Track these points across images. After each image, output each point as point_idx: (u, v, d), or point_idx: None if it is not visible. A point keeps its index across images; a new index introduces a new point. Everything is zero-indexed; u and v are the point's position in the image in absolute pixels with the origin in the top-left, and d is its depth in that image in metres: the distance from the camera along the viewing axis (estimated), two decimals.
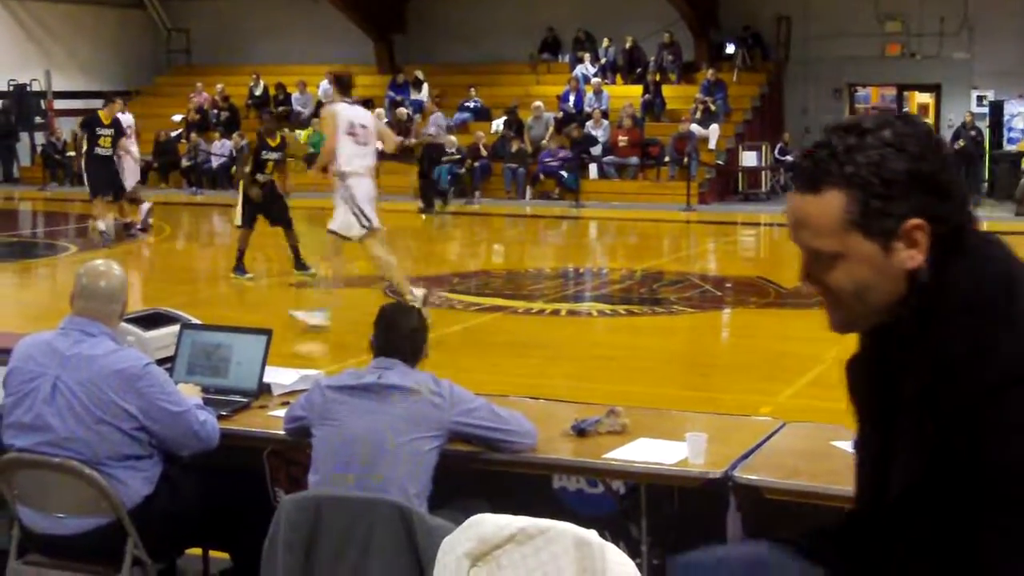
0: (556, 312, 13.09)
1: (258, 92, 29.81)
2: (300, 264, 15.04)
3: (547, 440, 4.52)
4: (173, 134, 28.37)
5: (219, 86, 29.64)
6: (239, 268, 14.83)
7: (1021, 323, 2.03)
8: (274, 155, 14.75)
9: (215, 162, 27.43)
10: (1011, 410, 1.97)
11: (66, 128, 28.34)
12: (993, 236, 2.18)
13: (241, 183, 15.00)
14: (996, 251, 2.13)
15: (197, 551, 5.24)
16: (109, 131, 17.45)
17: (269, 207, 14.76)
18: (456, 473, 4.40)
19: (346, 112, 11.39)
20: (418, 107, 28.18)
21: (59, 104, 29.69)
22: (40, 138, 29.77)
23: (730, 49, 27.81)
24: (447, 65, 29.68)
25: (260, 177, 14.61)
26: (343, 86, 11.82)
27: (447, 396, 4.31)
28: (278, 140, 14.95)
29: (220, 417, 4.73)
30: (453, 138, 25.74)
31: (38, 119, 29.79)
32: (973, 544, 2.02)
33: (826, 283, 2.16)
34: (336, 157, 11.31)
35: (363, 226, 11.37)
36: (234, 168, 16.78)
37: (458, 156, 25.38)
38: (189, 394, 4.74)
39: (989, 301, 2.06)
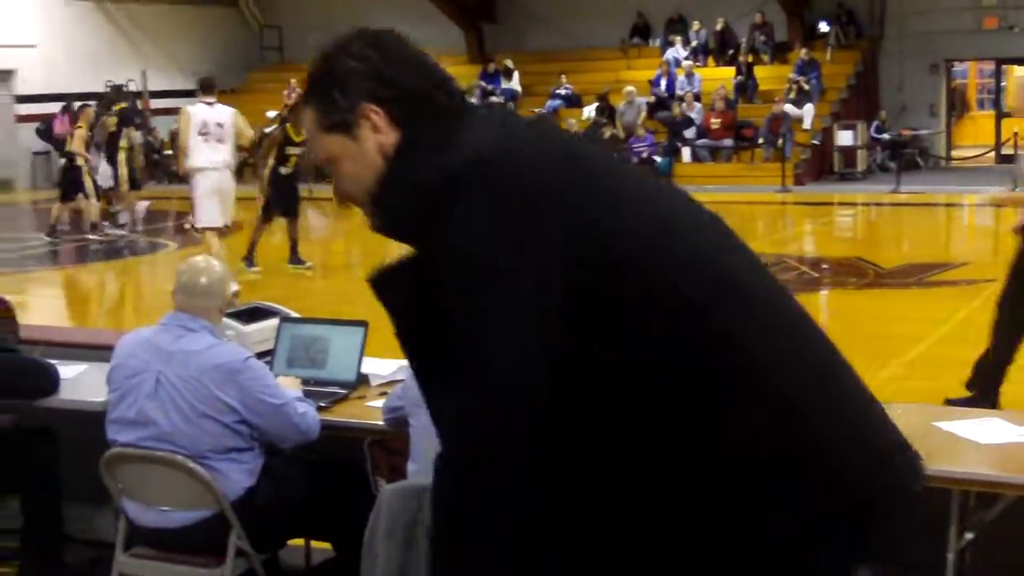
0: None
1: None
2: (296, 258, 15.08)
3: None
4: (268, 130, 28.61)
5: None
6: (249, 260, 14.85)
7: (467, 148, 2.18)
8: (297, 149, 14.82)
9: (311, 156, 27.64)
10: (461, 208, 2.13)
11: (163, 127, 28.74)
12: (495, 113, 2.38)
13: (264, 175, 15.04)
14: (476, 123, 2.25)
15: (300, 542, 5.30)
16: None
17: (288, 200, 14.85)
18: None
19: (200, 113, 12.49)
20: (510, 96, 28.20)
21: (155, 103, 30.14)
22: (138, 137, 30.18)
23: (823, 28, 27.46)
24: (537, 53, 29.66)
25: (283, 170, 14.71)
26: (203, 88, 13.16)
27: None
28: (303, 135, 14.89)
29: (319, 409, 4.77)
30: None
31: (135, 119, 30.22)
32: (446, 343, 2.16)
33: (343, 189, 2.36)
34: (188, 154, 12.41)
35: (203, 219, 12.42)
36: (251, 158, 16.86)
37: None
38: (289, 387, 4.79)
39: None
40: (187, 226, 13.13)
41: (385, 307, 2.32)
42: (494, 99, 27.44)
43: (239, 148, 13.86)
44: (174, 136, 24.55)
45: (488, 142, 2.20)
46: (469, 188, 2.13)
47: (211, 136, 12.64)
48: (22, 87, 28.74)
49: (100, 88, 29.61)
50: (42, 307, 13.35)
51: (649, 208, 2.26)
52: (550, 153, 2.23)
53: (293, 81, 29.04)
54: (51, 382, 5.28)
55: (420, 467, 4.26)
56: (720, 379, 2.16)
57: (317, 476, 4.85)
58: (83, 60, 29.68)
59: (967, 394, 7.71)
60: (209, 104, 12.89)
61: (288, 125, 14.88)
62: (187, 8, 32.58)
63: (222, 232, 12.89)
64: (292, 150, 14.71)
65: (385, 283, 2.32)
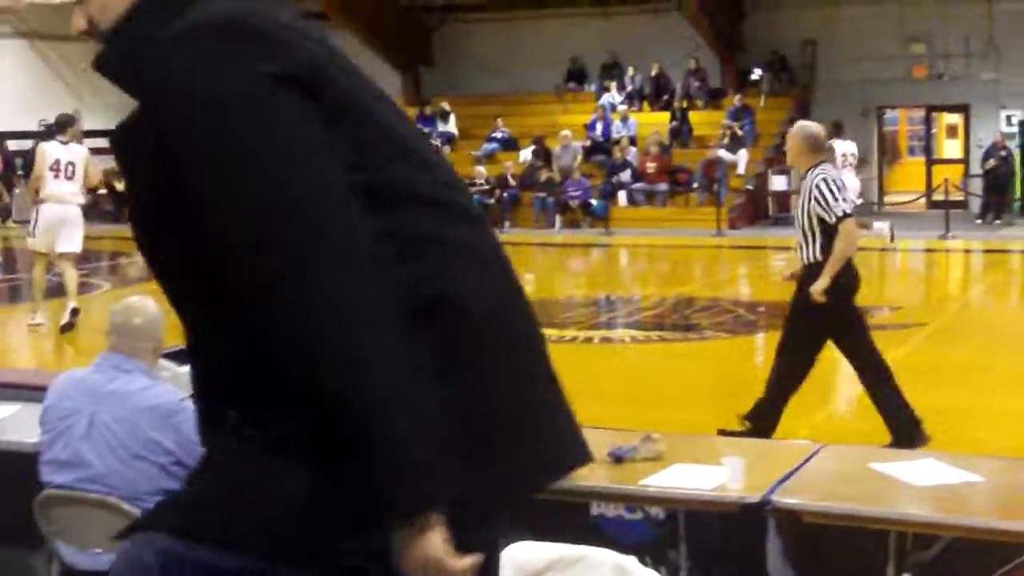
0: (589, 340, 13.07)
1: None
2: None
3: (583, 467, 4.50)
4: None
5: None
6: None
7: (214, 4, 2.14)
8: None
9: None
10: (204, 51, 2.08)
11: (99, 167, 28.52)
12: None
13: None
14: None
15: None
16: None
17: None
18: None
19: (52, 150, 13.60)
20: (447, 139, 28.27)
21: (89, 143, 29.83)
22: None
23: (756, 74, 27.79)
24: (474, 96, 29.77)
25: None
26: (58, 127, 14.28)
27: None
28: None
29: None
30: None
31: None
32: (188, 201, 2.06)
33: (89, 13, 2.44)
34: (41, 187, 13.43)
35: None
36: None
37: (487, 187, 25.44)
38: None
39: None
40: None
41: (121, 166, 2.26)
42: (430, 142, 27.48)
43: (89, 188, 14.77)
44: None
45: (239, 5, 2.17)
46: (212, 34, 2.11)
47: (61, 173, 13.54)
48: None
49: (34, 127, 29.40)
50: None
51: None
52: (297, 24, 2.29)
53: None
54: None
55: None
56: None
57: None
58: (18, 99, 29.43)
59: (742, 427, 7.89)
60: (63, 143, 13.79)
61: None
62: None
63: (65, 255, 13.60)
64: None
65: (122, 141, 2.27)
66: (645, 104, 28.29)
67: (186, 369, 5.33)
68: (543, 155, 26.39)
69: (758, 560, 4.19)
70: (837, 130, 16.44)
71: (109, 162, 15.97)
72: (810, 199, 7.68)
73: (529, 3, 29.07)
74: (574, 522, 4.53)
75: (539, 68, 29.01)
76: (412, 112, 29.33)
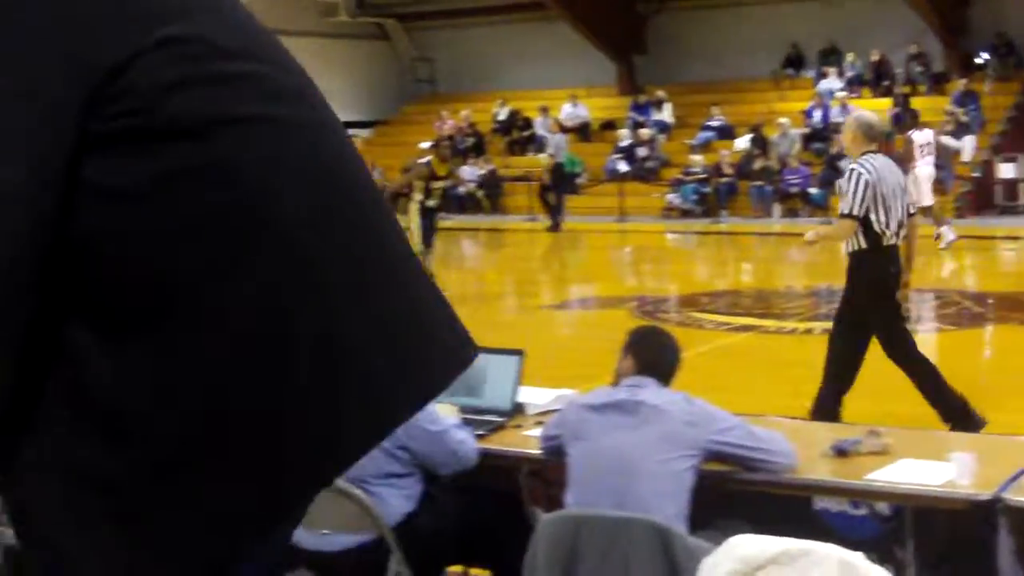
0: (809, 331, 12.83)
1: (502, 118, 30.21)
2: None
3: (806, 460, 4.43)
4: (420, 161, 28.99)
5: (464, 113, 30.17)
6: None
7: None
8: (440, 184, 15.29)
9: (462, 188, 27.90)
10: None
11: None
12: None
13: (412, 208, 15.26)
14: None
15: (457, 568, 5.30)
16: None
17: (428, 232, 15.23)
18: (714, 493, 4.34)
19: None
20: (661, 127, 28.14)
21: None
22: None
23: (982, 58, 26.88)
24: (689, 84, 29.55)
25: (429, 203, 14.92)
26: None
27: (702, 415, 4.27)
28: (447, 170, 15.32)
29: (477, 436, 4.77)
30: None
31: None
32: None
33: None
34: None
35: None
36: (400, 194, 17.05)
37: (703, 175, 25.24)
38: (447, 414, 4.80)
39: None
40: None
41: None
42: (644, 130, 27.43)
43: None
44: None
45: None
46: None
47: None
48: None
49: None
50: None
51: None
52: None
53: (444, 113, 29.45)
54: None
55: (577, 497, 4.24)
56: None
57: (474, 504, 4.85)
58: None
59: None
60: None
61: (433, 159, 15.11)
62: (341, 41, 33.15)
63: None
64: (436, 184, 14.97)
65: None
66: (865, 90, 27.62)
67: None
68: (760, 143, 26.03)
69: (988, 559, 4.06)
70: (914, 121, 15.82)
71: None
72: (839, 186, 7.74)
73: None
74: (796, 515, 4.45)
75: (755, 55, 28.63)
76: (626, 101, 29.35)
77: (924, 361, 8.04)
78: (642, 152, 27.10)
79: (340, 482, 4.44)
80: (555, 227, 23.98)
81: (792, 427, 5.03)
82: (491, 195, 27.46)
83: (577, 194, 26.85)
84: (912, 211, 8.18)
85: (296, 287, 1.63)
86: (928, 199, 18.24)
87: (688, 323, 13.03)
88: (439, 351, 1.85)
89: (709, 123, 27.85)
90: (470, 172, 27.98)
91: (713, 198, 25.01)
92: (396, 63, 34.93)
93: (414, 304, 1.80)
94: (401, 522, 4.51)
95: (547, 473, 4.80)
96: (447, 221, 22.74)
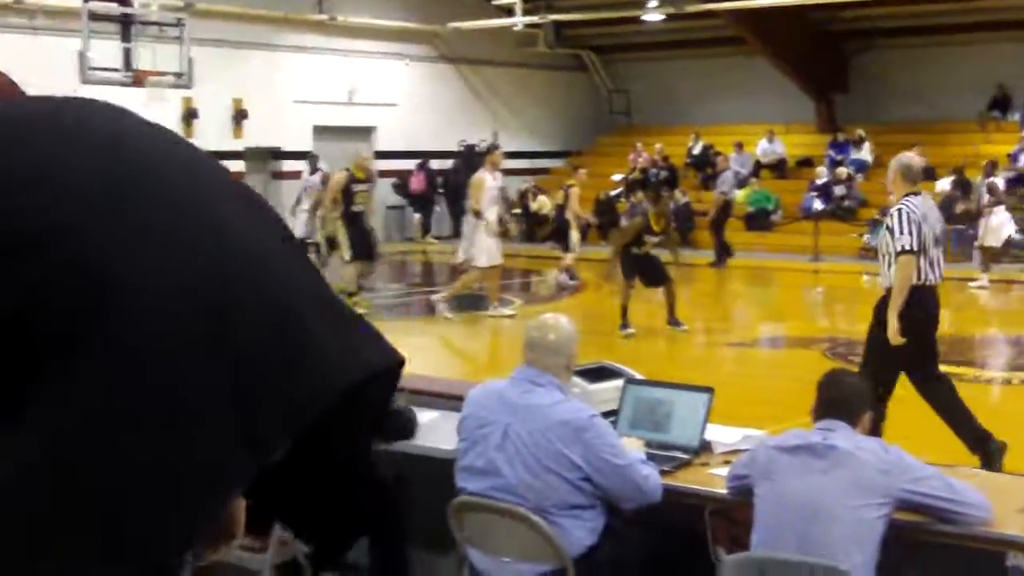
0: (1008, 381, 12.42)
1: (696, 151, 30.07)
2: (673, 320, 15.02)
3: (1001, 515, 4.29)
4: (613, 193, 29.02)
5: (658, 146, 30.10)
6: (623, 325, 14.94)
7: None
8: (655, 239, 15.12)
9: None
10: None
11: (512, 187, 29.52)
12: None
13: (614, 245, 15.58)
14: None
15: None
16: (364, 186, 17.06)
17: (645, 268, 14.99)
18: (904, 544, 4.23)
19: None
20: (859, 166, 27.65)
21: (505, 164, 30.96)
22: None
23: None
24: (890, 124, 28.98)
25: (647, 240, 14.86)
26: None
27: (896, 463, 4.17)
28: (663, 226, 15.05)
29: (662, 472, 4.74)
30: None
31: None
32: None
33: None
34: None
35: None
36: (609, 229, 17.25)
37: None
38: (632, 448, 4.78)
39: None
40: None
41: None
42: (842, 169, 27.00)
43: None
44: (521, 196, 25.31)
45: None
46: None
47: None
48: (381, 143, 30.10)
49: (453, 147, 30.75)
50: None
51: None
52: None
53: (639, 145, 29.42)
54: (411, 428, 5.46)
55: (762, 539, 4.17)
56: None
57: (656, 540, 4.81)
58: (439, 119, 30.88)
59: None
60: None
61: (651, 213, 15.08)
62: (540, 72, 33.44)
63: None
64: (650, 238, 14.93)
65: None
66: None
67: (597, 386, 5.46)
68: (962, 186, 25.35)
69: None
70: (993, 168, 15.35)
71: (519, 184, 16.47)
72: (887, 227, 8.19)
73: (954, 28, 28.07)
74: (988, 571, 4.31)
75: (960, 95, 27.95)
76: (825, 138, 28.92)
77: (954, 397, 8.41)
78: (839, 191, 26.67)
79: (523, 510, 4.45)
80: (718, 262, 23.69)
81: (987, 479, 4.87)
82: (683, 229, 27.31)
83: (771, 231, 26.54)
84: None
85: None
86: None
87: None
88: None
89: None
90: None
91: None
92: (592, 94, 35.07)
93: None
94: (583, 554, 4.51)
95: (732, 513, 4.73)
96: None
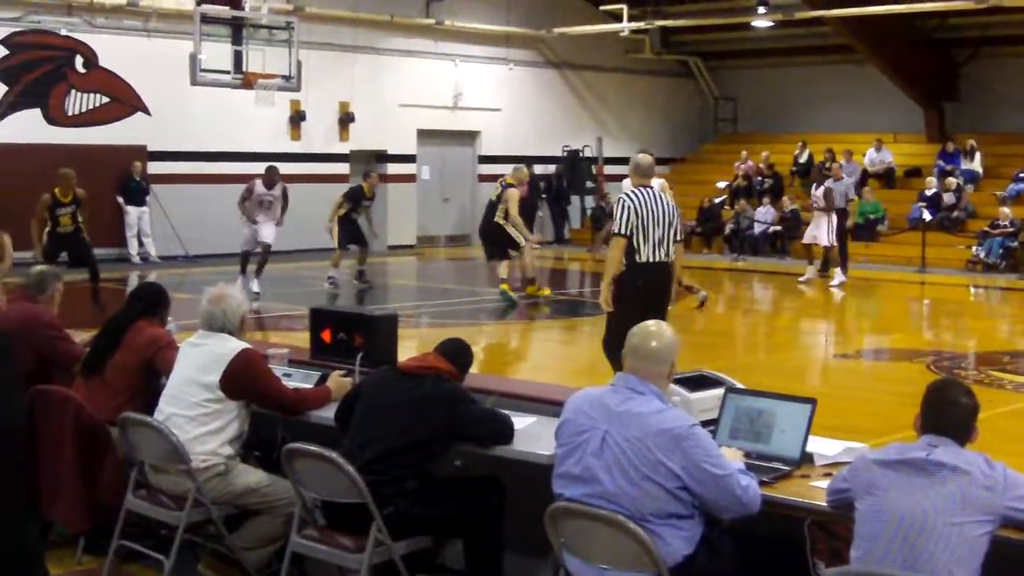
0: None
1: (802, 160, 29.78)
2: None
3: None
4: (717, 200, 28.87)
5: (764, 153, 29.89)
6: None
7: None
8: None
9: (758, 229, 27.61)
10: None
11: (614, 193, 29.47)
12: None
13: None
14: None
15: None
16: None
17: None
18: (1009, 562, 4.15)
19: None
20: (969, 177, 27.20)
21: (609, 170, 30.95)
22: (590, 202, 31.14)
23: None
24: (1002, 134, 28.49)
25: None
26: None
27: (1001, 480, 4.09)
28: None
29: (761, 483, 4.70)
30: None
31: (589, 183, 31.22)
32: None
33: None
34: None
35: None
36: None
37: (1011, 229, 24.26)
38: (732, 458, 4.75)
39: None
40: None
41: None
42: (951, 179, 26.59)
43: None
44: None
45: None
46: None
47: None
48: (485, 148, 30.21)
49: (557, 152, 30.77)
50: (492, 359, 13.90)
51: None
52: None
53: (744, 153, 29.24)
54: (508, 434, 5.47)
55: (863, 554, 4.12)
56: None
57: (754, 552, 4.77)
58: (543, 124, 30.91)
59: None
60: None
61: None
62: (645, 78, 33.36)
63: None
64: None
65: None
66: None
67: (698, 395, 5.43)
68: None
69: None
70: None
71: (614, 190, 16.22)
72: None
73: None
74: None
75: None
76: (934, 148, 28.49)
77: None
78: (948, 201, 26.27)
79: (621, 518, 4.44)
80: (823, 271, 23.34)
81: None
82: (788, 238, 27.06)
83: (877, 242, 26.22)
84: None
85: None
86: None
87: (987, 382, 12.53)
88: None
89: (1021, 175, 26.73)
90: (764, 214, 27.66)
91: (1021, 253, 23.98)
92: (698, 101, 34.91)
93: None
94: (680, 563, 4.48)
95: (832, 526, 4.68)
96: (741, 262, 22.58)
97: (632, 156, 10.45)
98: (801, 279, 21.97)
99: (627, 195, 9.78)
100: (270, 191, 18.83)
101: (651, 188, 9.87)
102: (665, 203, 9.80)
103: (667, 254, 9.74)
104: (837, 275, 21.76)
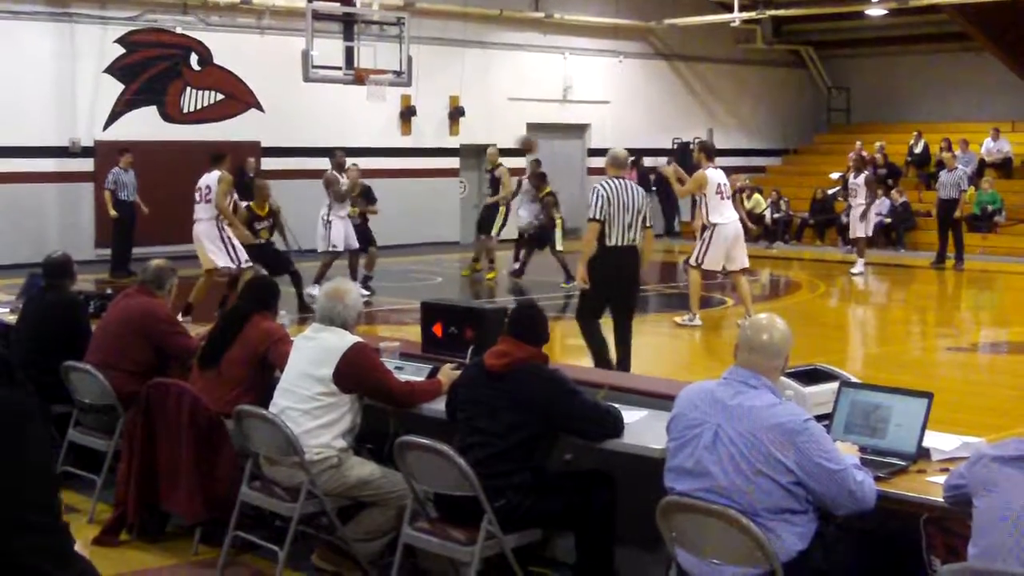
0: None
1: (918, 150, 29.30)
2: None
3: None
4: (830, 192, 28.51)
5: (878, 144, 29.46)
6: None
7: None
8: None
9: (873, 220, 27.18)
10: None
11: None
12: None
13: None
14: None
15: None
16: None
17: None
18: None
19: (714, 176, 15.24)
20: None
21: (720, 161, 30.56)
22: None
23: None
24: None
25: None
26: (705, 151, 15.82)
27: None
28: None
29: (877, 479, 4.63)
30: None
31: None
32: None
33: None
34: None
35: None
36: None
37: None
38: (847, 453, 4.69)
39: None
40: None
41: None
42: None
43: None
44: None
45: None
46: None
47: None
48: (595, 140, 30.15)
49: (667, 144, 30.60)
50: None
51: None
52: None
53: (858, 143, 28.83)
54: (618, 428, 5.46)
55: (980, 551, 4.04)
56: None
57: (869, 548, 4.71)
58: (652, 116, 30.77)
59: None
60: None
61: None
62: (756, 68, 33.06)
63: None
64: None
65: None
66: None
67: (812, 389, 5.36)
68: None
69: None
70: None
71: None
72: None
73: None
74: None
75: None
76: None
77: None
78: None
79: (733, 512, 4.41)
80: (938, 262, 22.98)
81: None
82: (902, 229, 26.65)
83: (995, 233, 25.72)
84: None
85: None
86: None
87: None
88: None
89: None
90: (880, 205, 27.23)
91: None
92: (811, 91, 34.51)
93: None
94: (794, 559, 4.43)
95: (949, 523, 4.60)
96: (853, 255, 22.27)
97: (610, 150, 11.46)
98: (853, 270, 21.73)
99: (600, 185, 10.82)
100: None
101: (623, 179, 10.96)
102: (635, 192, 10.84)
103: (634, 239, 10.79)
104: (859, 264, 21.73)
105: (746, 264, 15.24)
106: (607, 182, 10.84)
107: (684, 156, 30.72)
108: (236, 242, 15.26)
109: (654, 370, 12.05)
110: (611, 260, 10.73)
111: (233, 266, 15.08)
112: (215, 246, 15.16)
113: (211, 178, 15.36)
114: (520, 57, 28.58)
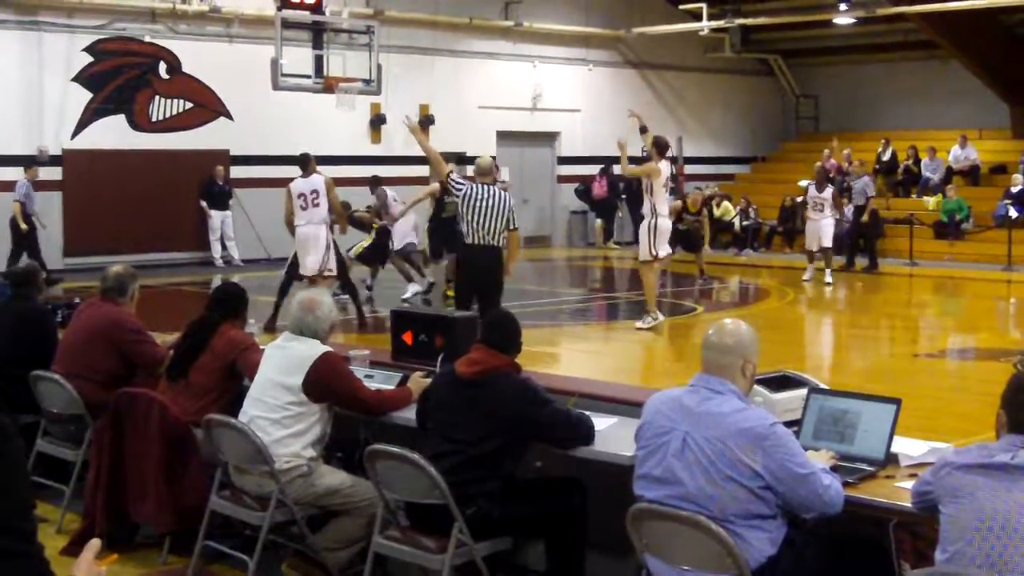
0: None
1: (886, 157, 29.45)
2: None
3: None
4: (799, 199, 28.58)
5: (847, 152, 29.58)
6: None
7: None
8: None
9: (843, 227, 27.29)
10: None
11: (694, 193, 29.33)
12: None
13: None
14: None
15: None
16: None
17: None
18: None
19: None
20: None
21: (689, 169, 30.78)
22: (669, 201, 30.95)
23: None
24: None
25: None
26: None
27: None
28: None
29: (846, 484, 4.65)
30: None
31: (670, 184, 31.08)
32: None
33: None
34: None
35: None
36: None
37: None
38: (817, 459, 4.71)
39: None
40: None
41: None
42: None
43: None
44: (704, 202, 25.15)
45: None
46: None
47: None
48: (564, 149, 30.21)
49: (637, 152, 30.61)
50: (573, 360, 13.88)
51: None
52: None
53: (826, 151, 28.95)
54: (590, 435, 5.47)
55: (948, 557, 4.06)
56: None
57: (839, 553, 4.73)
58: (622, 125, 30.80)
59: None
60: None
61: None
62: (724, 77, 33.19)
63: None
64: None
65: None
66: None
67: (780, 396, 5.38)
68: None
69: None
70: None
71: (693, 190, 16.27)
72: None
73: None
74: None
75: None
76: (1020, 145, 28.07)
77: None
78: None
79: (703, 519, 4.41)
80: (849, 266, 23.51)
81: None
82: (869, 236, 26.74)
83: (962, 240, 25.88)
84: None
85: None
86: None
87: None
88: None
89: None
90: (849, 212, 27.34)
91: None
92: (779, 99, 34.66)
93: None
94: (763, 565, 4.45)
95: (918, 527, 4.62)
96: (821, 261, 22.37)
97: (476, 159, 12.45)
98: (806, 277, 21.95)
99: (466, 188, 11.64)
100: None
101: (487, 184, 11.74)
102: (498, 197, 11.60)
103: (495, 240, 11.58)
104: (828, 275, 21.89)
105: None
106: (472, 186, 11.69)
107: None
108: (332, 251, 15.23)
109: (624, 378, 12.08)
110: (470, 257, 11.73)
111: (319, 268, 14.95)
112: (318, 249, 15.01)
113: (314, 183, 15.16)
114: (490, 65, 28.61)
